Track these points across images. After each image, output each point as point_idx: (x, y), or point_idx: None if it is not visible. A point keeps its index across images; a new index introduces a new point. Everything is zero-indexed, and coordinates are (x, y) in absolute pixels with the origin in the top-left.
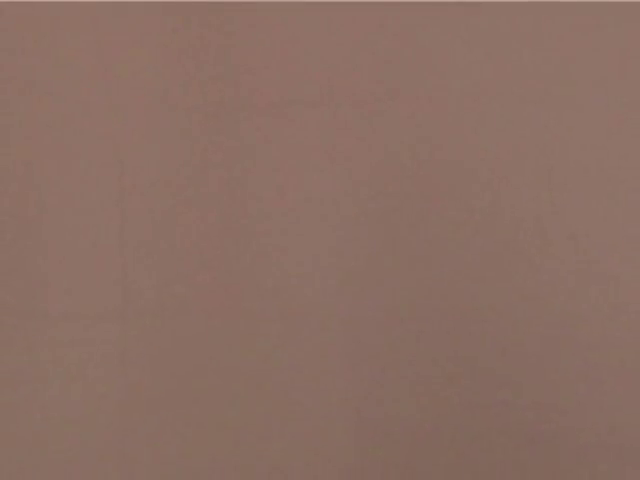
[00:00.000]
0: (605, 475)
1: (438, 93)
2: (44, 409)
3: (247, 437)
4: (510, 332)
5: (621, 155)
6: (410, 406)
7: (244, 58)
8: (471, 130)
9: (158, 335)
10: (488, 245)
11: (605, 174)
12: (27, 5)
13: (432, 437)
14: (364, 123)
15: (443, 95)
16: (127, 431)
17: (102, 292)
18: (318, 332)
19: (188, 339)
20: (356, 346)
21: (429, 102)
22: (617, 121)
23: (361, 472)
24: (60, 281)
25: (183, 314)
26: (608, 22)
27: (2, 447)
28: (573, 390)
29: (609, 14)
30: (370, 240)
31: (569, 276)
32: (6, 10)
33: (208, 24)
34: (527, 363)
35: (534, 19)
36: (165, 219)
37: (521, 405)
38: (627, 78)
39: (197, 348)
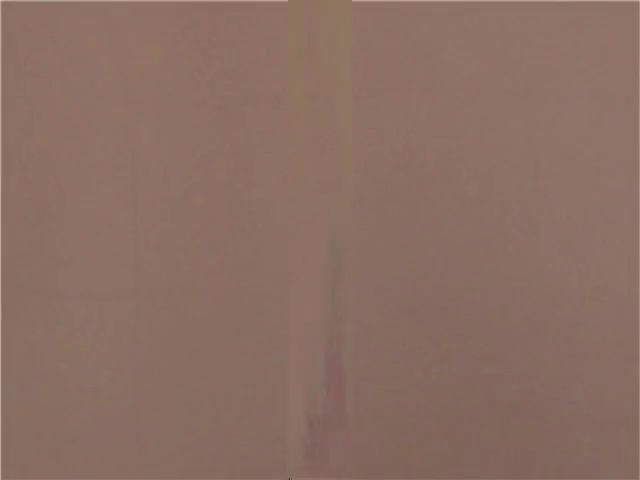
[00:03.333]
0: (586, 444)
1: (430, 87)
2: (59, 384)
3: (251, 411)
4: (498, 311)
5: (603, 145)
6: (403, 381)
7: (249, 54)
8: (462, 121)
9: (169, 314)
10: (477, 229)
11: (588, 163)
12: (43, 4)
13: (424, 410)
14: (361, 115)
15: (435, 89)
16: (139, 406)
17: (116, 272)
18: None
19: (198, 318)
20: (353, 326)
21: (422, 96)
22: (600, 113)
23: (357, 447)
24: (76, 262)
25: (193, 294)
26: (593, 19)
27: (18, 422)
28: (556, 364)
29: (592, 12)
30: (366, 225)
31: (553, 258)
32: (23, 8)
33: (216, 22)
34: (514, 340)
35: (522, 15)
36: (175, 204)
37: (508, 379)
38: (610, 71)
39: (206, 326)
